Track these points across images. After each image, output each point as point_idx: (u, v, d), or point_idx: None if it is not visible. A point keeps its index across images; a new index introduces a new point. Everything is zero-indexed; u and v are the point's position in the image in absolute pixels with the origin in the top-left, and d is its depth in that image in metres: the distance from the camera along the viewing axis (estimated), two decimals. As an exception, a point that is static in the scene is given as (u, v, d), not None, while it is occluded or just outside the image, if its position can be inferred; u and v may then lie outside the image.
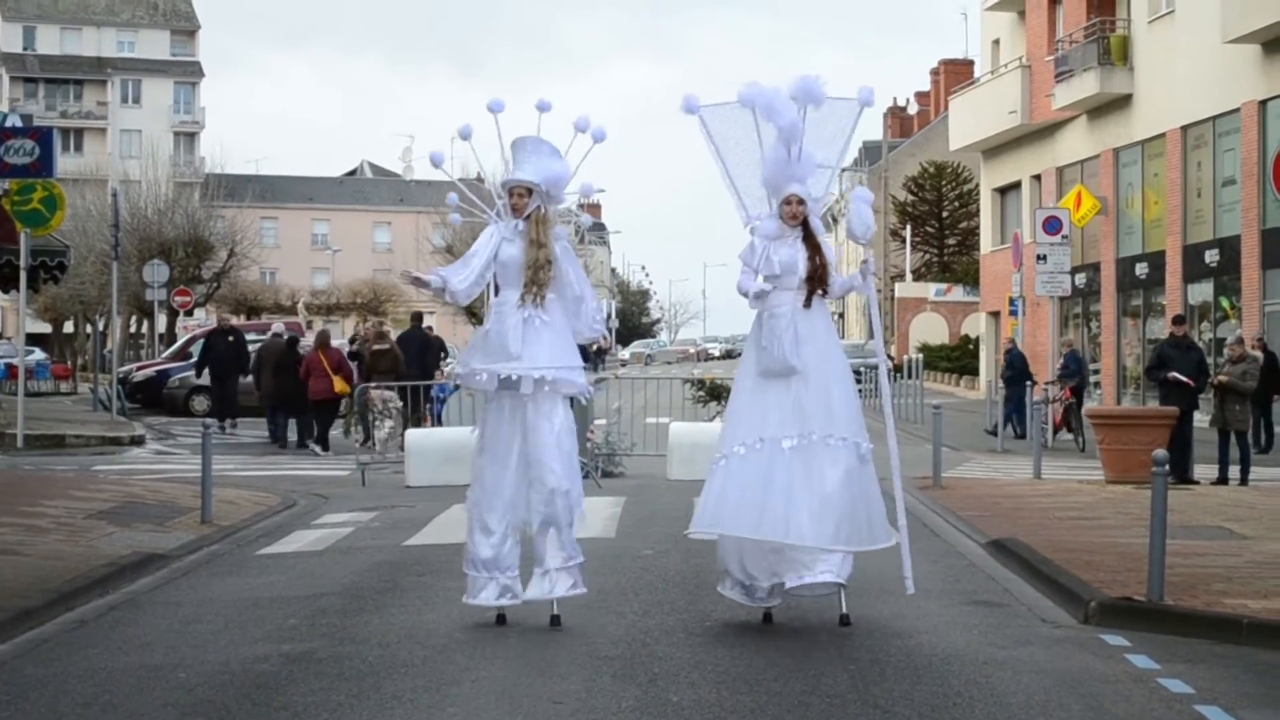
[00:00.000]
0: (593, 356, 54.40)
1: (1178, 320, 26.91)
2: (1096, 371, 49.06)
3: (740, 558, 11.71)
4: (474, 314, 57.09)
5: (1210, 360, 30.69)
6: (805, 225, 11.82)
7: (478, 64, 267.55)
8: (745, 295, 11.84)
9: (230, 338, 35.73)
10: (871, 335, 13.70)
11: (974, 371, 62.60)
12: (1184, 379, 24.48)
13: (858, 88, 11.86)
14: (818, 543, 11.34)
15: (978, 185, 67.65)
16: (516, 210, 11.79)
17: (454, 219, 12.93)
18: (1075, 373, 36.82)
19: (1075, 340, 43.15)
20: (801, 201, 11.75)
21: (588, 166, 12.00)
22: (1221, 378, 24.60)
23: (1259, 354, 28.16)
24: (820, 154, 11.87)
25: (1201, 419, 25.98)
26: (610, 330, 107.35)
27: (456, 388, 28.60)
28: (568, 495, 11.63)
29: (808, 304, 11.72)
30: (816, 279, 11.74)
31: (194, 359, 40.93)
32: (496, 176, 12.10)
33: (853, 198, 11.95)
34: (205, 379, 37.89)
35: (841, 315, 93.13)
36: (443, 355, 33.87)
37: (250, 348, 37.73)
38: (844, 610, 11.69)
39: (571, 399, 12.02)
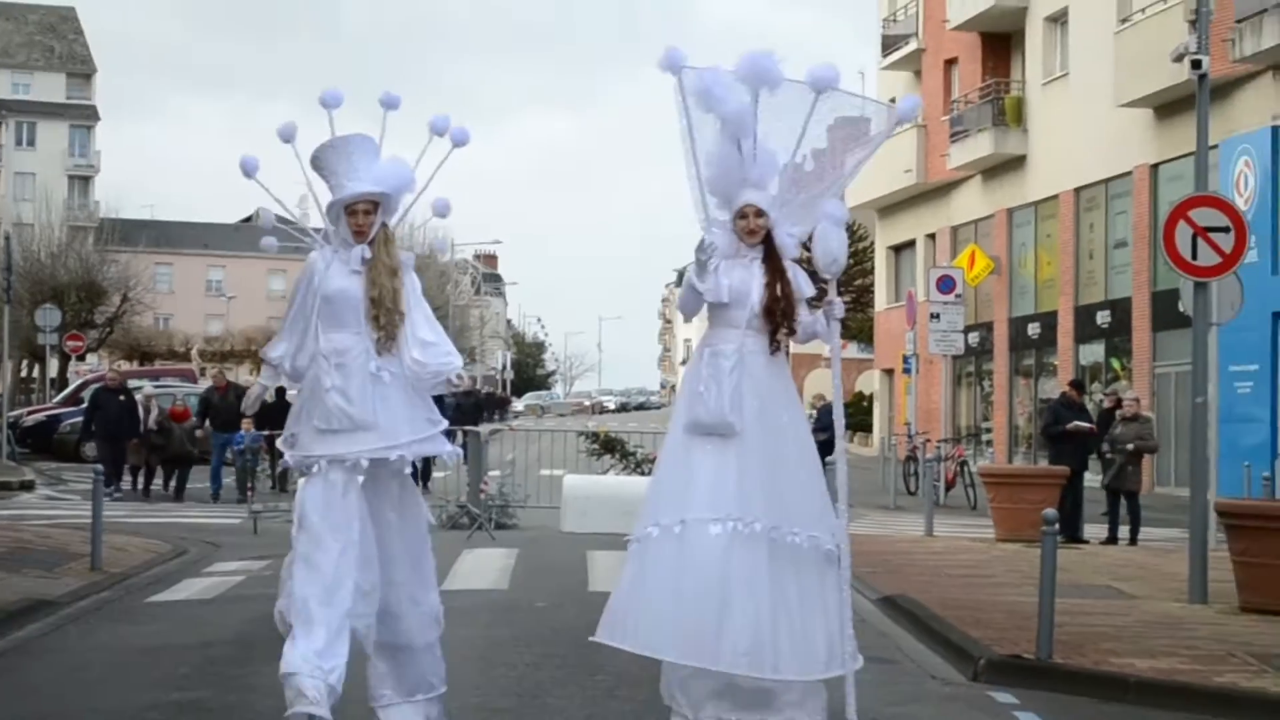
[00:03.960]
0: (487, 408, 54.13)
1: (1076, 385, 27.32)
2: (989, 430, 49.45)
3: (681, 681, 9.04)
4: None
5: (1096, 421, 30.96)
6: (768, 242, 9.23)
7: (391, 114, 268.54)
8: (685, 314, 9.60)
9: (121, 396, 33.04)
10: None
11: (868, 429, 62.91)
12: (1085, 426, 24.95)
13: (900, 97, 9.35)
14: (751, 670, 8.76)
15: (873, 243, 68.09)
16: (361, 233, 9.11)
17: (266, 244, 10.11)
18: (825, 426, 37.89)
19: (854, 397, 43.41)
20: (761, 214, 9.11)
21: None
22: (1129, 445, 24.62)
23: (1151, 415, 28.54)
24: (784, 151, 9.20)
25: (1092, 479, 26.24)
26: (505, 382, 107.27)
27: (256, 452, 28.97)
28: (427, 615, 9.33)
29: (774, 349, 9.18)
30: (779, 314, 9.16)
31: (85, 405, 37.73)
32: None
33: (818, 215, 9.29)
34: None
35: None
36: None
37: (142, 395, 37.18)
38: None
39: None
